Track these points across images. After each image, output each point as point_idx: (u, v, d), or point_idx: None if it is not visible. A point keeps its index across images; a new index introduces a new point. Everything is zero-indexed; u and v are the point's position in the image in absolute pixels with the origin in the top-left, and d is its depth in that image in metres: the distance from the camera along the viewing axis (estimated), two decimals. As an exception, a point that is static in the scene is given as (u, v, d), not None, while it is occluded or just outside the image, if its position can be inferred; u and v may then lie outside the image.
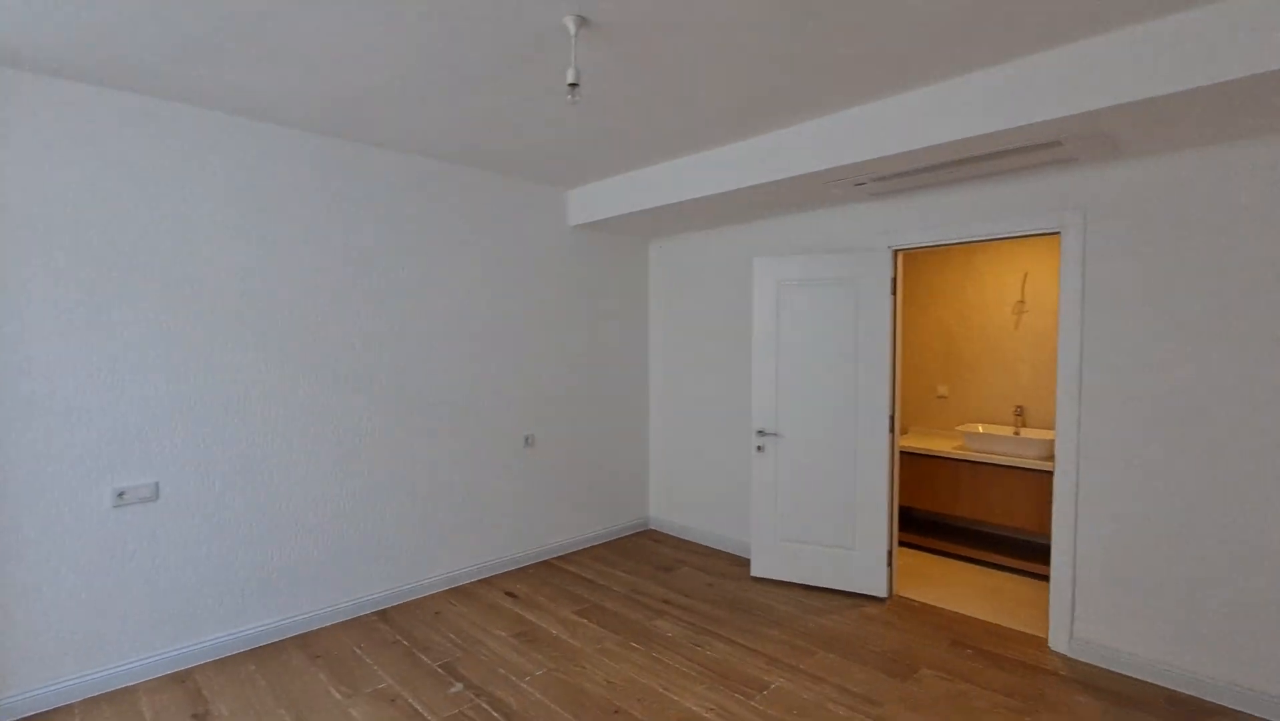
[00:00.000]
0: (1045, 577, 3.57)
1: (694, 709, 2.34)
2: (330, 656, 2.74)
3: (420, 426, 3.36)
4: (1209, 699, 2.40)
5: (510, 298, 3.73)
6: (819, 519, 3.46)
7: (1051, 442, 3.77)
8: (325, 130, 2.90)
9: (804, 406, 3.49)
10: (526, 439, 3.85)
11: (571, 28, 1.93)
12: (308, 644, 2.85)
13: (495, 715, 2.31)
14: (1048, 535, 4.02)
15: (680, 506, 4.46)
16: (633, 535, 4.49)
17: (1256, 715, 2.30)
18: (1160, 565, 2.52)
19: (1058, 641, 2.79)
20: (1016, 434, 3.98)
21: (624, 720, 2.27)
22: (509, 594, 3.43)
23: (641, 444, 4.61)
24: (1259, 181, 2.30)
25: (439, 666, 2.66)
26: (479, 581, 3.60)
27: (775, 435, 3.56)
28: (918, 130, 2.47)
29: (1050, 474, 3.66)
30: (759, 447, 3.60)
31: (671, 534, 4.48)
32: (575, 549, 4.14)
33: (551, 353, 3.98)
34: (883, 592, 3.34)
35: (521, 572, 3.74)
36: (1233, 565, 2.37)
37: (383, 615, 3.16)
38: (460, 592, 3.44)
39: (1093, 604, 2.70)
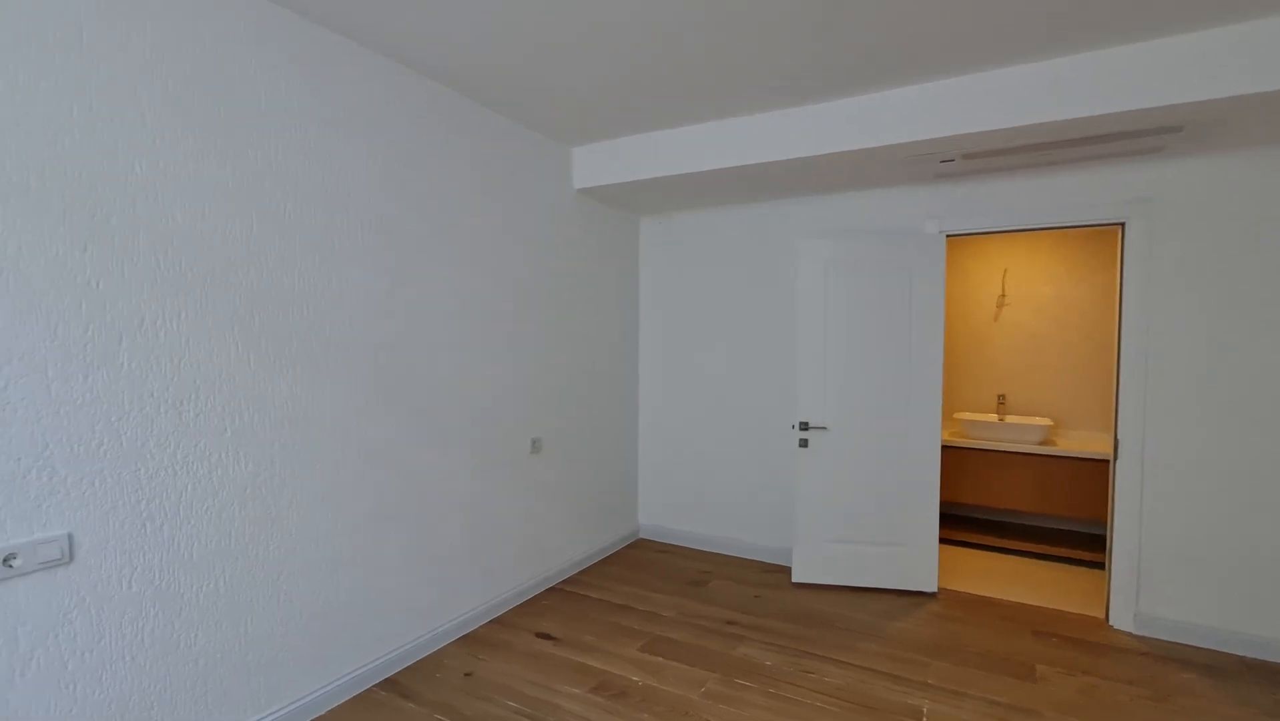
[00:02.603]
0: (1057, 559, 3.74)
1: (872, 754, 1.98)
2: (355, 762, 1.92)
3: (427, 434, 2.55)
4: (1272, 659, 2.60)
5: (514, 271, 3.03)
6: (869, 515, 3.27)
7: (1047, 427, 4.00)
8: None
9: (853, 398, 3.27)
10: (533, 443, 3.16)
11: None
12: (306, 747, 1.98)
13: (655, 810, 1.74)
14: (1049, 516, 4.28)
15: (679, 513, 4.03)
16: (627, 547, 3.96)
17: (1313, 669, 2.54)
18: (1224, 540, 2.69)
19: (1121, 620, 2.88)
20: (1001, 420, 4.17)
21: (808, 784, 1.84)
22: (542, 635, 2.75)
23: (631, 447, 4.10)
24: (1320, 183, 2.52)
25: (526, 751, 1.98)
26: (493, 622, 2.86)
27: (822, 429, 3.30)
28: (1027, 106, 2.35)
29: (1050, 457, 3.87)
30: (803, 442, 3.32)
31: (671, 542, 4.03)
32: (578, 568, 3.52)
33: (553, 342, 3.32)
34: (933, 587, 3.24)
35: (537, 605, 3.06)
36: (1259, 544, 2.59)
37: (391, 684, 2.33)
38: (477, 641, 2.69)
39: (1157, 581, 2.82)
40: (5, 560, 1.46)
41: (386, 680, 2.37)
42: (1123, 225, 2.89)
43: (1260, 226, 2.61)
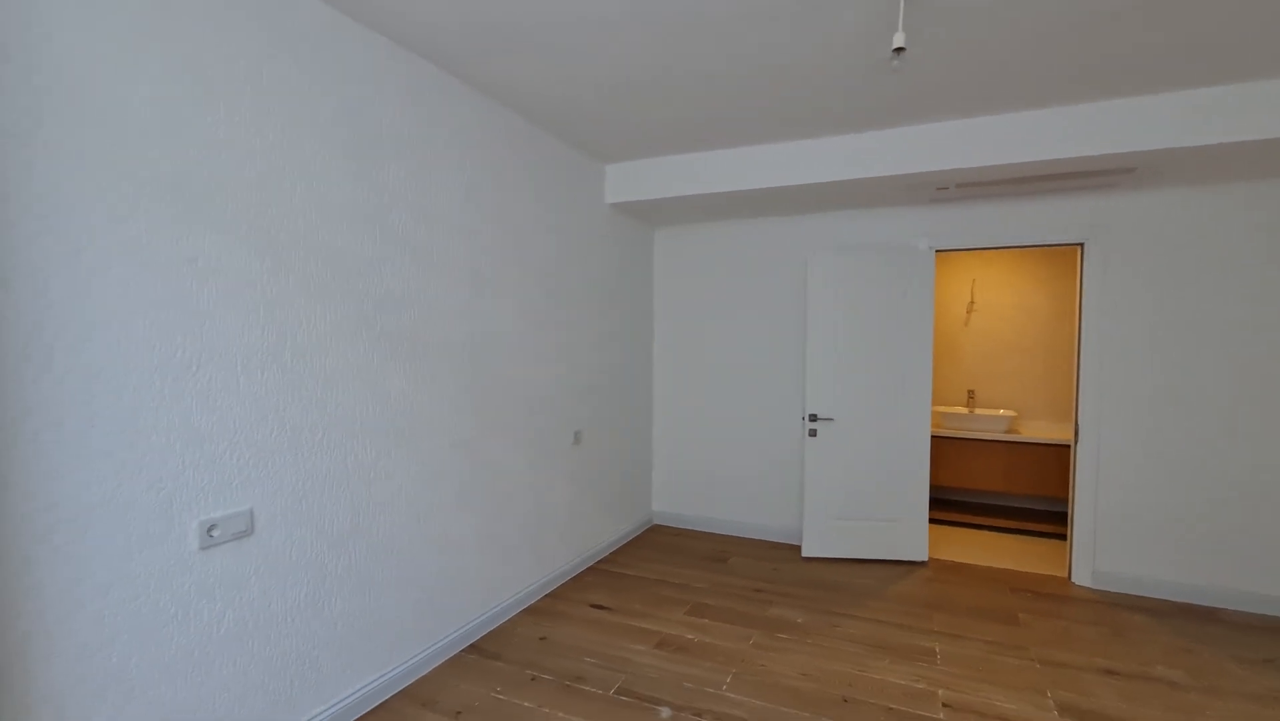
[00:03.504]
0: (1023, 532, 4.29)
1: (901, 682, 2.39)
2: (475, 709, 2.19)
3: (496, 426, 2.83)
4: (1203, 603, 3.18)
5: (560, 275, 3.32)
6: (869, 495, 3.73)
7: (1012, 418, 4.56)
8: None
9: (856, 393, 3.72)
10: (576, 435, 3.47)
11: (900, -10, 1.85)
12: (426, 696, 2.25)
13: (740, 730, 2.09)
14: (1014, 495, 4.85)
15: (692, 499, 4.40)
16: (645, 532, 4.31)
17: (1231, 607, 3.11)
18: (1162, 510, 3.25)
19: (1081, 577, 3.42)
20: (971, 412, 4.72)
21: (855, 708, 2.23)
22: (596, 606, 3.07)
23: (647, 440, 4.44)
24: (1239, 216, 3.10)
25: (616, 694, 2.30)
26: (547, 597, 3.16)
27: (830, 420, 3.73)
28: (1013, 147, 2.83)
29: (1015, 443, 4.43)
30: (812, 432, 3.74)
31: (684, 527, 4.40)
32: (608, 551, 3.84)
33: (590, 343, 3.63)
34: (924, 557, 3.72)
35: (581, 582, 3.36)
36: (1213, 506, 3.16)
37: (476, 649, 2.61)
38: (539, 612, 2.98)
39: (1110, 544, 3.37)
40: (209, 530, 1.69)
41: (471, 645, 2.64)
42: (1082, 246, 3.43)
43: (1192, 250, 3.18)
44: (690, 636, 2.76)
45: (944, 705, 2.25)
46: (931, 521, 4.52)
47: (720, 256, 4.28)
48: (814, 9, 1.99)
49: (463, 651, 2.59)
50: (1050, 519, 4.55)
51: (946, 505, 4.87)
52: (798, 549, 3.95)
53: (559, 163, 3.27)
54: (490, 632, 2.76)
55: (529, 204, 3.04)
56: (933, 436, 4.66)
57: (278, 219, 1.86)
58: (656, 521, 4.51)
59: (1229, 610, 3.12)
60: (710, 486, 4.34)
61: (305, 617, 1.97)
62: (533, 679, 2.39)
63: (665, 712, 2.18)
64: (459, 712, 2.18)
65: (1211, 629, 2.91)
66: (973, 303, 4.88)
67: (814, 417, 3.74)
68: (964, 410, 4.82)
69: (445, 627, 2.55)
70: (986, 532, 4.29)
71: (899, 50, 1.87)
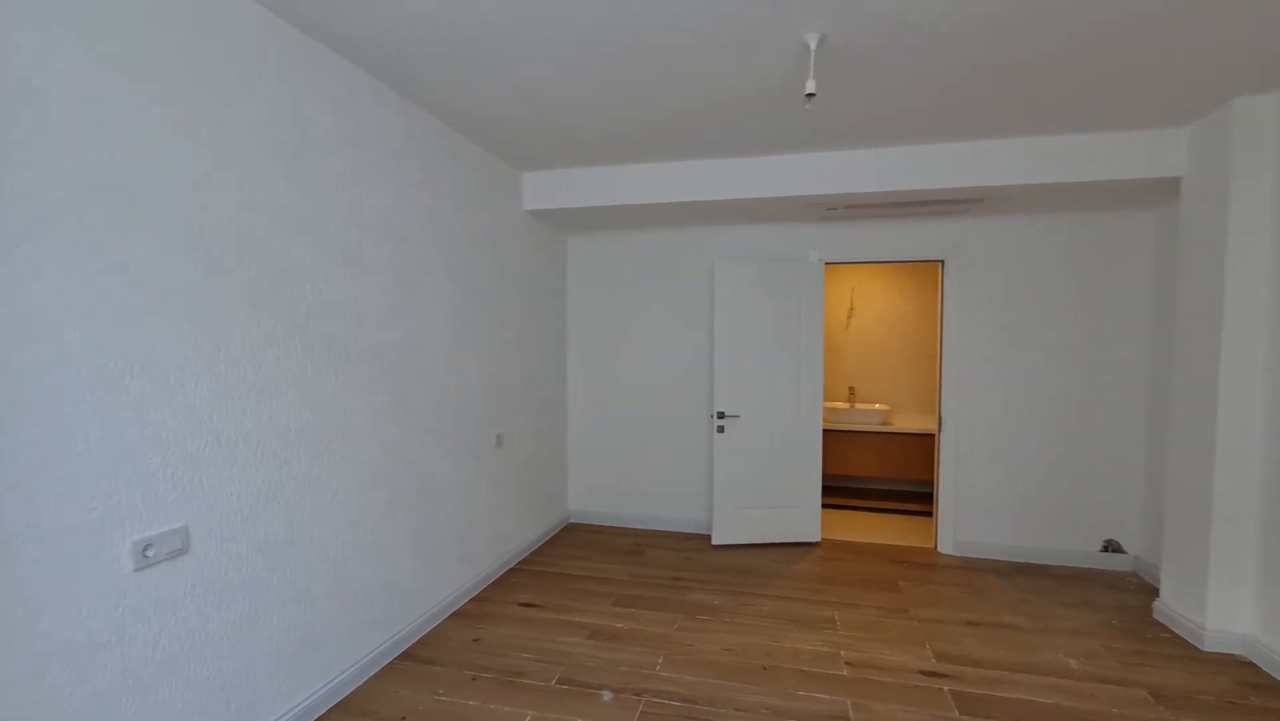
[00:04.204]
0: (895, 511, 4.87)
1: (810, 648, 2.70)
2: (420, 713, 2.21)
3: (426, 430, 2.83)
4: (1034, 561, 3.82)
5: (484, 281, 3.35)
6: (771, 485, 4.08)
7: (885, 411, 5.15)
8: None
9: (758, 391, 4.06)
10: (498, 438, 3.50)
11: (813, 43, 2.12)
12: (366, 706, 2.23)
13: (676, 704, 2.28)
14: (887, 480, 5.43)
15: (605, 498, 4.55)
16: (562, 531, 4.40)
17: (1056, 564, 3.78)
18: (1006, 487, 3.88)
19: (945, 547, 3.98)
20: (852, 407, 5.28)
21: (774, 674, 2.50)
22: (525, 604, 3.14)
23: (562, 442, 4.53)
24: (1059, 238, 3.77)
25: (558, 684, 2.40)
26: (475, 600, 3.18)
27: (735, 417, 4.04)
28: (892, 177, 3.27)
29: (889, 434, 5.01)
30: (720, 429, 4.04)
31: (600, 524, 4.54)
32: (528, 551, 3.90)
33: (510, 346, 3.68)
34: (817, 538, 4.14)
35: (506, 583, 3.41)
36: (1043, 482, 3.82)
37: (409, 656, 2.60)
38: (467, 616, 3.00)
39: (967, 518, 3.95)
40: (144, 550, 1.61)
41: (404, 653, 2.63)
42: (943, 262, 3.98)
43: (1026, 265, 3.82)
44: (620, 625, 2.92)
45: (846, 663, 2.59)
46: (822, 506, 5.00)
47: (631, 263, 4.47)
48: (742, 49, 2.23)
49: (397, 659, 2.58)
50: (918, 499, 5.20)
51: (833, 491, 5.40)
52: (708, 538, 4.24)
53: (481, 170, 3.31)
54: (423, 638, 2.76)
55: (454, 210, 3.05)
56: (832, 431, 5.15)
57: (212, 222, 1.79)
58: (572, 520, 4.62)
59: (1054, 565, 3.78)
60: (624, 484, 4.53)
61: (242, 635, 1.91)
62: (473, 679, 2.44)
63: (607, 696, 2.33)
64: (404, 718, 2.19)
65: (1042, 581, 3.53)
66: (853, 309, 5.45)
67: (721, 415, 4.04)
68: (846, 405, 5.37)
69: (379, 636, 2.52)
70: (867, 513, 4.83)
71: (810, 95, 2.15)
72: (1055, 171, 3.08)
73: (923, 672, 2.52)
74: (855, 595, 3.30)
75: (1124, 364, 3.71)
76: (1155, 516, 3.55)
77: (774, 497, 4.09)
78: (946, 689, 2.40)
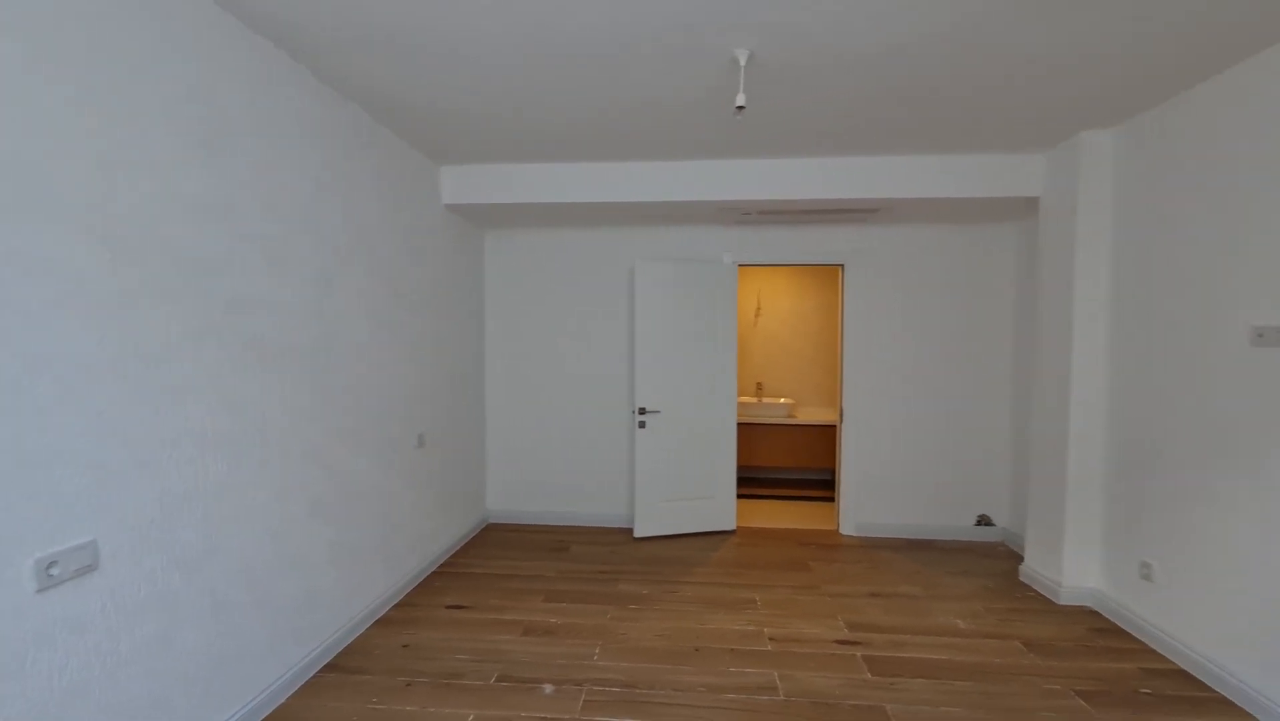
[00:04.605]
0: (801, 498, 5.20)
1: (736, 628, 2.87)
2: (347, 724, 2.13)
3: (347, 432, 2.71)
4: (922, 537, 4.25)
5: (403, 276, 3.25)
6: (690, 477, 4.25)
7: (790, 405, 5.49)
8: None
9: (677, 387, 4.21)
10: (420, 438, 3.41)
11: (742, 59, 2.26)
12: (286, 727, 2.12)
13: (617, 690, 2.35)
14: (793, 469, 5.76)
15: (526, 496, 4.54)
16: (482, 531, 4.33)
17: (940, 538, 4.23)
18: (899, 472, 4.28)
19: (847, 528, 4.33)
20: (759, 401, 5.58)
21: (705, 654, 2.64)
22: (453, 606, 3.08)
23: (481, 441, 4.46)
24: (942, 246, 4.21)
25: (497, 681, 2.40)
26: (399, 605, 3.08)
27: (656, 412, 4.17)
28: (802, 186, 3.53)
29: (794, 426, 5.34)
30: (641, 424, 4.15)
31: (521, 522, 4.51)
32: (450, 553, 3.82)
33: (430, 344, 3.59)
34: (733, 526, 4.36)
35: (430, 586, 3.32)
36: (929, 467, 4.26)
37: (334, 668, 2.49)
38: (393, 622, 2.91)
39: (865, 501, 4.32)
40: (48, 569, 1.45)
41: (330, 665, 2.51)
42: (843, 265, 4.33)
43: (913, 270, 4.24)
44: (553, 620, 2.95)
45: (770, 639, 2.77)
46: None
47: (551, 261, 4.48)
48: (671, 59, 2.33)
49: (322, 671, 2.46)
50: (821, 485, 5.59)
51: (743, 481, 5.68)
52: (630, 531, 4.34)
53: (401, 162, 3.20)
54: (348, 647, 2.65)
55: (374, 203, 2.94)
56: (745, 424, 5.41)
57: (120, 210, 1.64)
58: (492, 520, 4.55)
59: (938, 540, 4.23)
60: (546, 482, 4.53)
61: (156, 655, 1.76)
62: (408, 684, 2.38)
63: (548, 689, 2.36)
64: (337, 730, 2.11)
65: (929, 554, 3.94)
66: (759, 309, 5.76)
67: (643, 411, 4.15)
68: (754, 400, 5.67)
69: (303, 648, 2.39)
70: (776, 501, 5.14)
71: (740, 108, 2.30)
72: (940, 187, 3.46)
73: (837, 641, 2.76)
74: (771, 577, 3.53)
75: (992, 359, 4.21)
76: (1018, 493, 4.07)
77: (693, 489, 4.27)
78: (858, 654, 2.65)
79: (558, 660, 2.57)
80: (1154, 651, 2.69)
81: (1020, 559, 3.85)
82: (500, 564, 3.70)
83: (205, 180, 1.93)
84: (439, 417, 3.69)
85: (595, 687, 2.37)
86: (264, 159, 2.18)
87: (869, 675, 2.48)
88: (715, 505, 4.32)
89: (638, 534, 4.18)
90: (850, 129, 3.06)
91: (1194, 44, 2.20)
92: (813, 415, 5.64)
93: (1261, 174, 2.25)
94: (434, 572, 3.54)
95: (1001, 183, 3.44)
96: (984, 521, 4.25)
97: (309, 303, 2.45)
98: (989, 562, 3.80)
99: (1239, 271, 2.34)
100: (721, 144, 3.28)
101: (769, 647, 2.70)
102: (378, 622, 2.90)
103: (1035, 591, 3.34)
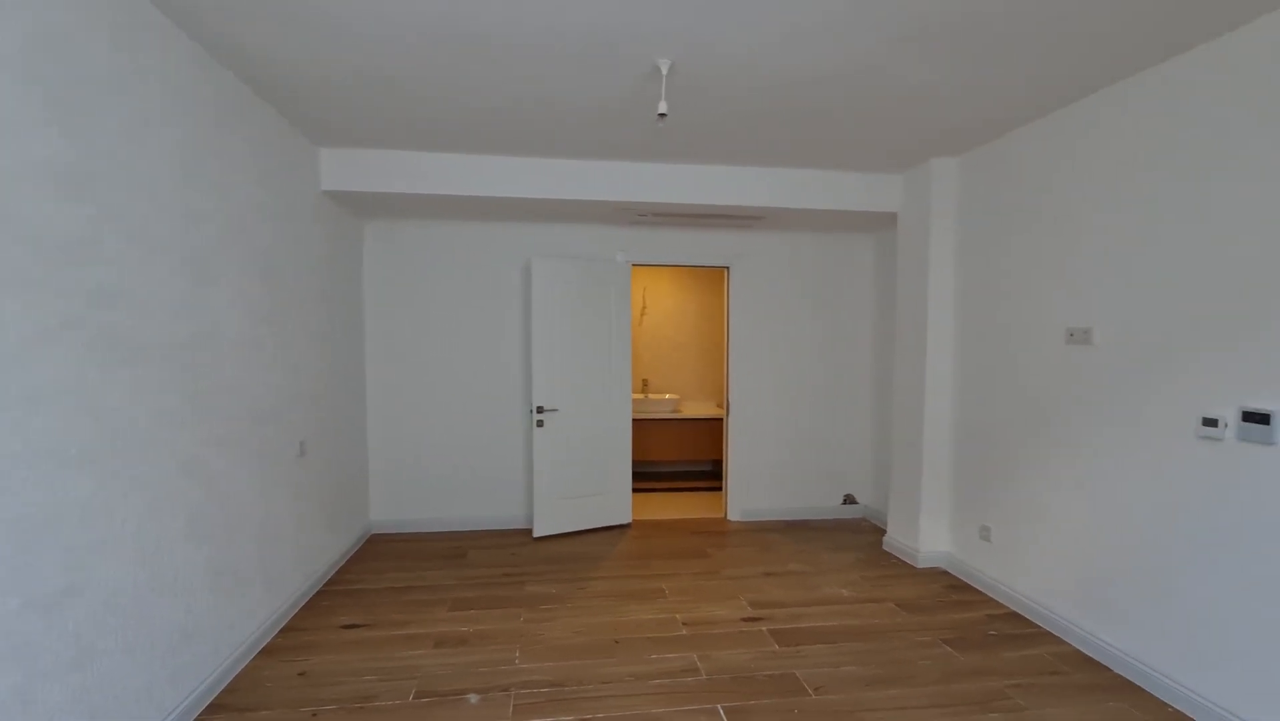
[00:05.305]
0: (690, 489, 5.42)
1: (651, 617, 2.96)
2: (248, 767, 1.90)
3: (225, 441, 2.40)
4: (800, 518, 4.65)
5: (281, 268, 2.94)
6: (588, 474, 4.28)
7: (677, 400, 5.70)
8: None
9: (574, 385, 4.21)
10: (301, 446, 3.10)
11: (664, 68, 2.34)
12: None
13: (545, 690, 2.33)
14: (681, 462, 5.96)
15: (413, 504, 4.29)
16: (367, 543, 4.02)
17: (814, 518, 4.65)
18: (778, 459, 4.64)
19: (735, 515, 4.61)
20: (646, 397, 5.74)
21: (626, 645, 2.70)
22: (349, 626, 2.84)
23: (363, 445, 4.13)
24: (814, 251, 4.63)
25: (416, 698, 2.27)
26: (286, 631, 2.78)
27: (554, 410, 4.14)
28: (694, 191, 3.72)
29: (681, 420, 5.56)
30: (539, 423, 4.10)
31: (409, 532, 4.25)
32: (335, 568, 3.51)
33: (310, 343, 3.27)
34: (629, 520, 4.46)
35: (318, 606, 3.04)
36: (803, 455, 4.66)
37: (218, 708, 2.20)
38: (281, 650, 2.62)
39: (750, 489, 4.62)
40: (-126, 623, 1.15)
41: (214, 704, 2.21)
42: (728, 268, 4.60)
43: (789, 274, 4.61)
44: (464, 629, 2.84)
45: (683, 624, 2.90)
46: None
47: (441, 255, 4.28)
48: (587, 61, 2.35)
49: (206, 713, 2.16)
50: (706, 476, 5.88)
51: (634, 475, 5.79)
52: (529, 531, 4.27)
53: (279, 140, 2.90)
54: (234, 683, 2.35)
55: (251, 183, 2.63)
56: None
57: (-38, 176, 1.34)
58: (375, 531, 4.25)
59: (814, 520, 4.66)
60: (437, 487, 4.32)
61: (11, 717, 1.46)
62: (314, 714, 2.17)
63: (473, 698, 2.28)
64: (238, 774, 1.87)
65: (808, 533, 4.32)
66: (645, 308, 5.93)
67: (541, 410, 4.11)
68: (641, 396, 5.83)
69: (180, 690, 2.09)
70: (667, 493, 5.33)
71: (662, 115, 2.38)
72: (818, 200, 3.80)
73: (744, 620, 2.95)
74: (673, 566, 3.67)
75: (855, 355, 4.71)
76: (878, 474, 4.60)
77: (591, 485, 4.30)
78: (764, 629, 2.86)
79: (478, 668, 2.49)
80: (994, 600, 3.19)
81: (882, 532, 4.35)
82: (394, 576, 3.47)
83: (63, 146, 1.62)
84: (321, 422, 3.38)
85: (523, 691, 2.33)
86: (130, 123, 1.87)
87: (777, 646, 2.69)
88: (612, 500, 4.39)
89: (537, 533, 4.13)
90: (746, 142, 3.27)
91: (1020, 94, 2.65)
92: (697, 409, 5.92)
93: (1071, 202, 2.76)
94: (321, 591, 3.23)
95: (868, 198, 3.87)
96: (850, 500, 4.75)
97: (182, 294, 2.14)
98: (857, 537, 4.26)
99: (1055, 282, 2.86)
100: (625, 146, 3.35)
101: (684, 632, 2.82)
102: (264, 651, 2.60)
103: (898, 559, 3.81)
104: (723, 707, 2.23)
